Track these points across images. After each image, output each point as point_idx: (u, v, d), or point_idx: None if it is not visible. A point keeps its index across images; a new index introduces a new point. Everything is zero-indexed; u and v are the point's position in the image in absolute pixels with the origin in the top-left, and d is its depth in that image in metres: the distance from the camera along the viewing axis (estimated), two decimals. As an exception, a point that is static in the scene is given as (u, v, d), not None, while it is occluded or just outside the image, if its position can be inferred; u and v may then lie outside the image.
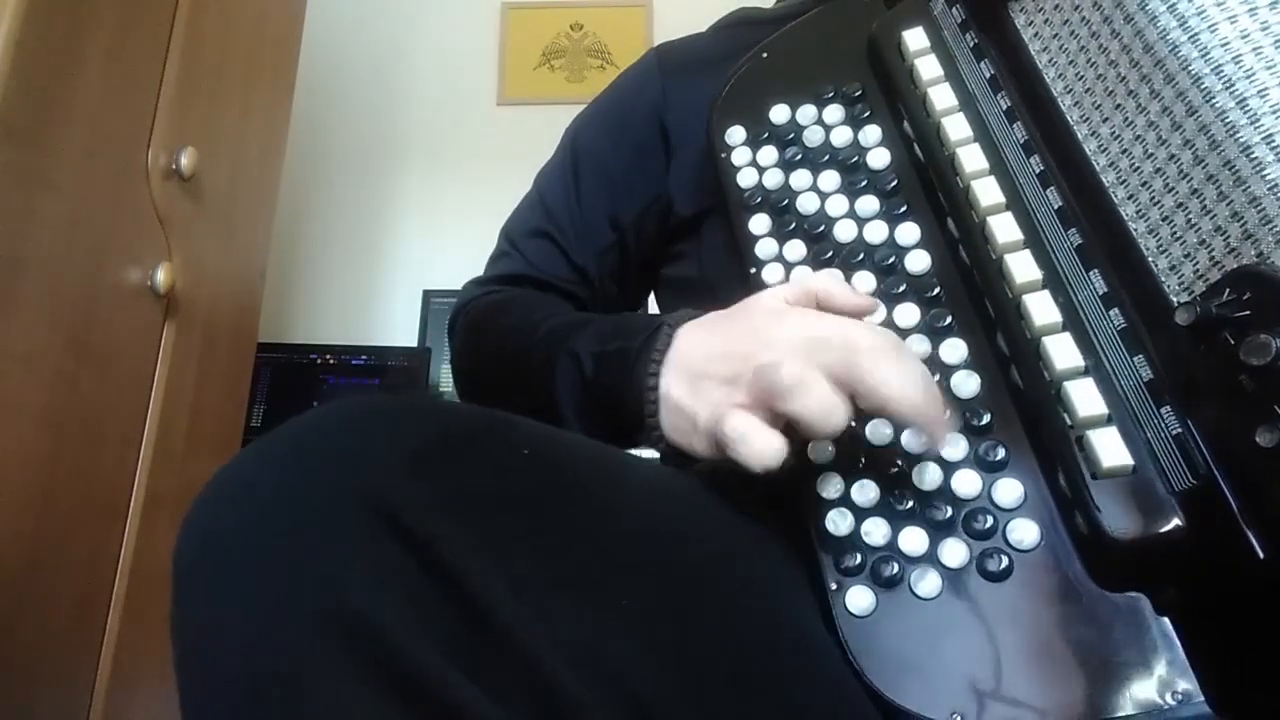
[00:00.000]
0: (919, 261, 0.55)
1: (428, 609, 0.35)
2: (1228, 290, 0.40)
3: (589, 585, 0.40)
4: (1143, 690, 0.41)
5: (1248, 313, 0.39)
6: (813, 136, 0.62)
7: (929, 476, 0.48)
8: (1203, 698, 0.40)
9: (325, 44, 2.07)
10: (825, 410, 0.46)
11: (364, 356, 1.89)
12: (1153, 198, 0.46)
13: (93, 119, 1.02)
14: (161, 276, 1.13)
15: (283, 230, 1.69)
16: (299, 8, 1.65)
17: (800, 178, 0.61)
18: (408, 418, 0.40)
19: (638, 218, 0.76)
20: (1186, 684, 0.40)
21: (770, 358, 0.48)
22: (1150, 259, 0.46)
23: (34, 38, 0.91)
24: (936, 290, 0.54)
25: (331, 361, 1.87)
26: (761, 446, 0.47)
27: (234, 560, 0.36)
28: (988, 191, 0.53)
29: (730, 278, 0.62)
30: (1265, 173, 0.41)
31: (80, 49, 0.99)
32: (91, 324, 1.02)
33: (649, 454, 0.57)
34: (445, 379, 1.97)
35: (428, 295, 2.09)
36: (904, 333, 0.53)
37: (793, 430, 0.48)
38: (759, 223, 0.61)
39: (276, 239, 1.57)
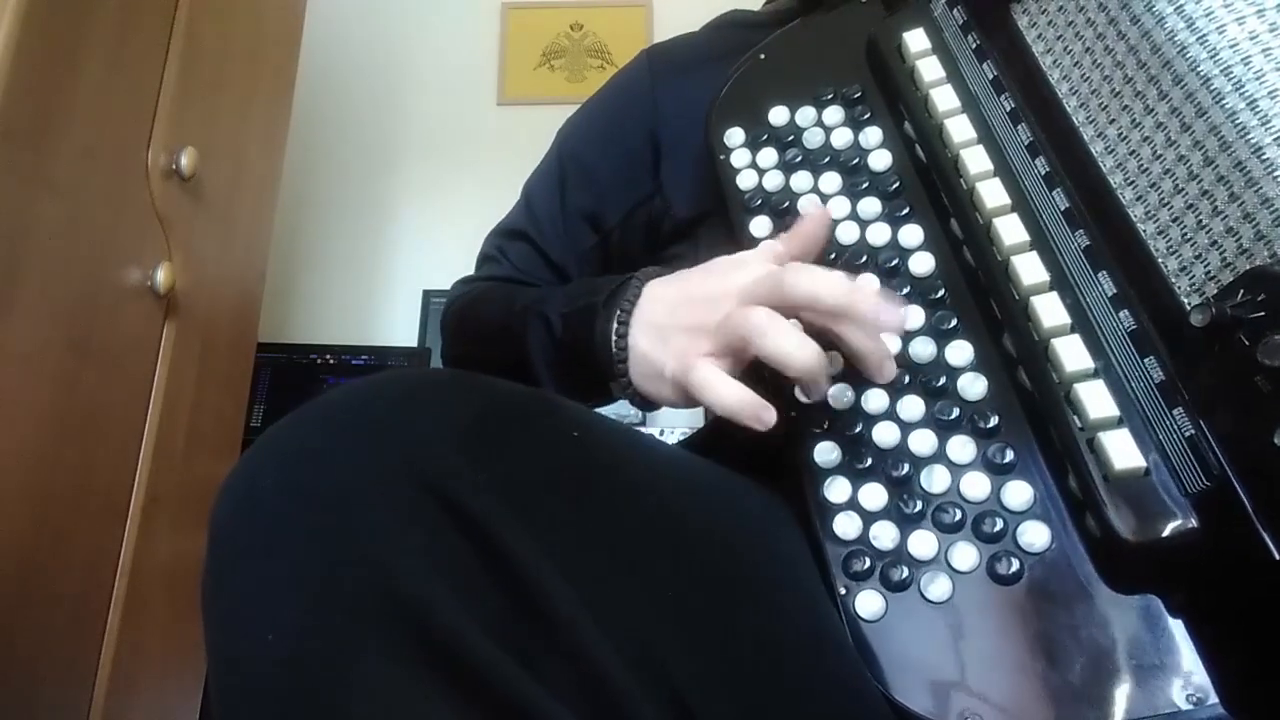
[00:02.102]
0: (923, 263, 0.55)
1: (480, 593, 0.34)
2: (1242, 291, 0.40)
3: (634, 574, 0.39)
4: (1157, 693, 0.41)
5: (1263, 314, 0.39)
6: (813, 138, 0.62)
7: (937, 479, 0.48)
8: (1217, 700, 0.40)
9: (325, 44, 2.07)
10: (793, 347, 0.47)
11: (364, 356, 1.89)
12: (1162, 199, 0.46)
13: (93, 119, 1.01)
14: (161, 276, 1.13)
15: (283, 230, 1.68)
16: (299, 8, 1.64)
17: (801, 179, 0.61)
18: (456, 391, 0.39)
19: (623, 220, 0.76)
20: (1201, 686, 0.40)
21: (729, 304, 0.50)
22: (1160, 260, 0.46)
23: (34, 38, 0.90)
24: (941, 292, 0.54)
25: (331, 361, 1.87)
26: (725, 392, 0.49)
27: (276, 527, 0.35)
28: (993, 193, 0.52)
29: None
30: (1277, 174, 0.40)
31: (80, 49, 0.99)
32: (91, 324, 1.02)
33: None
34: (444, 379, 1.97)
35: (428, 295, 2.08)
36: (909, 335, 0.53)
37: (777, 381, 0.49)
38: (760, 225, 0.61)
39: (276, 239, 1.56)
